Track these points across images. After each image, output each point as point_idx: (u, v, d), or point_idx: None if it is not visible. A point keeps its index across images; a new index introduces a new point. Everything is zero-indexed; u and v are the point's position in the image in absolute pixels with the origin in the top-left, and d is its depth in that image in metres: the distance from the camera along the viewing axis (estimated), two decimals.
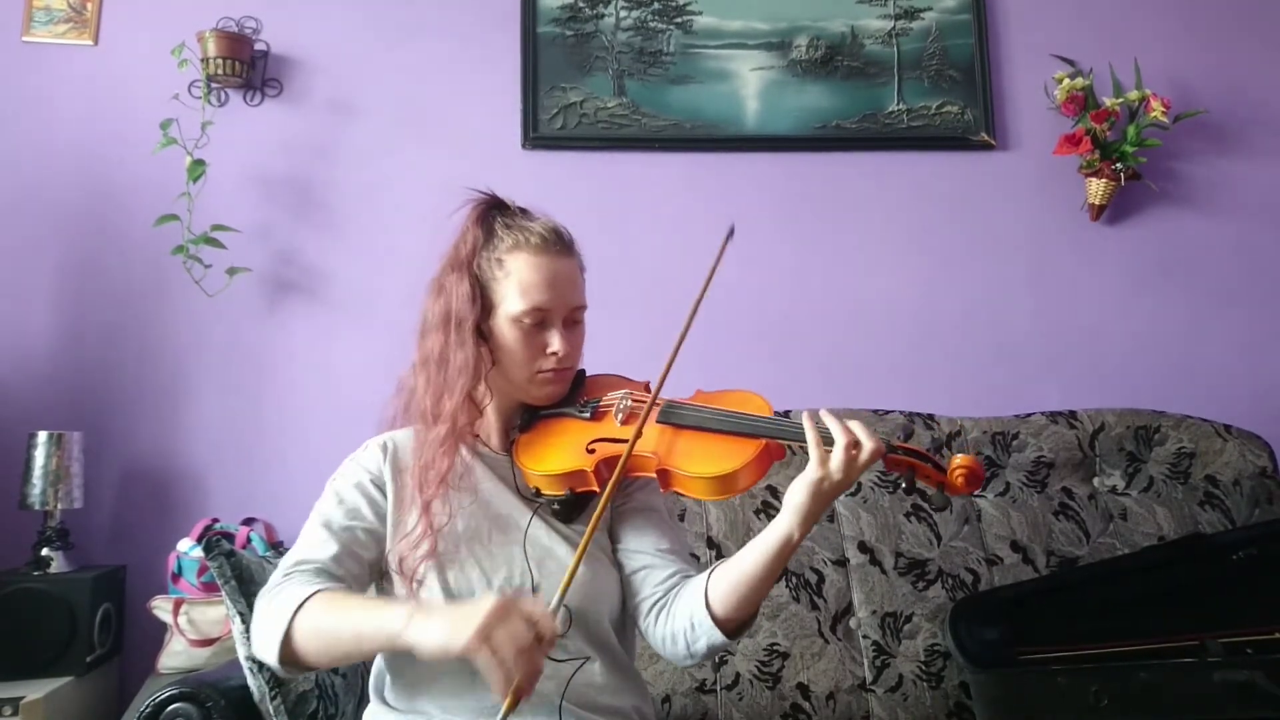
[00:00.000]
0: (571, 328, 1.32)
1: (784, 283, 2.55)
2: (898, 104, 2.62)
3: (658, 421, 1.26)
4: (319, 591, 1.15)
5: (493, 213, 1.34)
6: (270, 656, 1.15)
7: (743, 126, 2.59)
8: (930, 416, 2.21)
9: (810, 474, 1.15)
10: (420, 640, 1.03)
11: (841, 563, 2.07)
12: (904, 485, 1.20)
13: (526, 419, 1.35)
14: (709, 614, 1.21)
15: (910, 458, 1.18)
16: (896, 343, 2.55)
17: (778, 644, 1.98)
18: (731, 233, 1.35)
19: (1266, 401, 2.55)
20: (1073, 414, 2.25)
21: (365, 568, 1.26)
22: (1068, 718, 1.73)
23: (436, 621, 1.04)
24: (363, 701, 1.39)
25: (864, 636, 2.00)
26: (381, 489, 1.30)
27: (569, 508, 1.30)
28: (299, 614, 1.13)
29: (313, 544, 1.24)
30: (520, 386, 1.32)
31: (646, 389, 1.36)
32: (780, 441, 1.21)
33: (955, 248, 2.59)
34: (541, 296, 1.27)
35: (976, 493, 2.17)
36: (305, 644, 1.13)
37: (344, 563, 1.23)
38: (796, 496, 1.16)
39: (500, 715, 1.00)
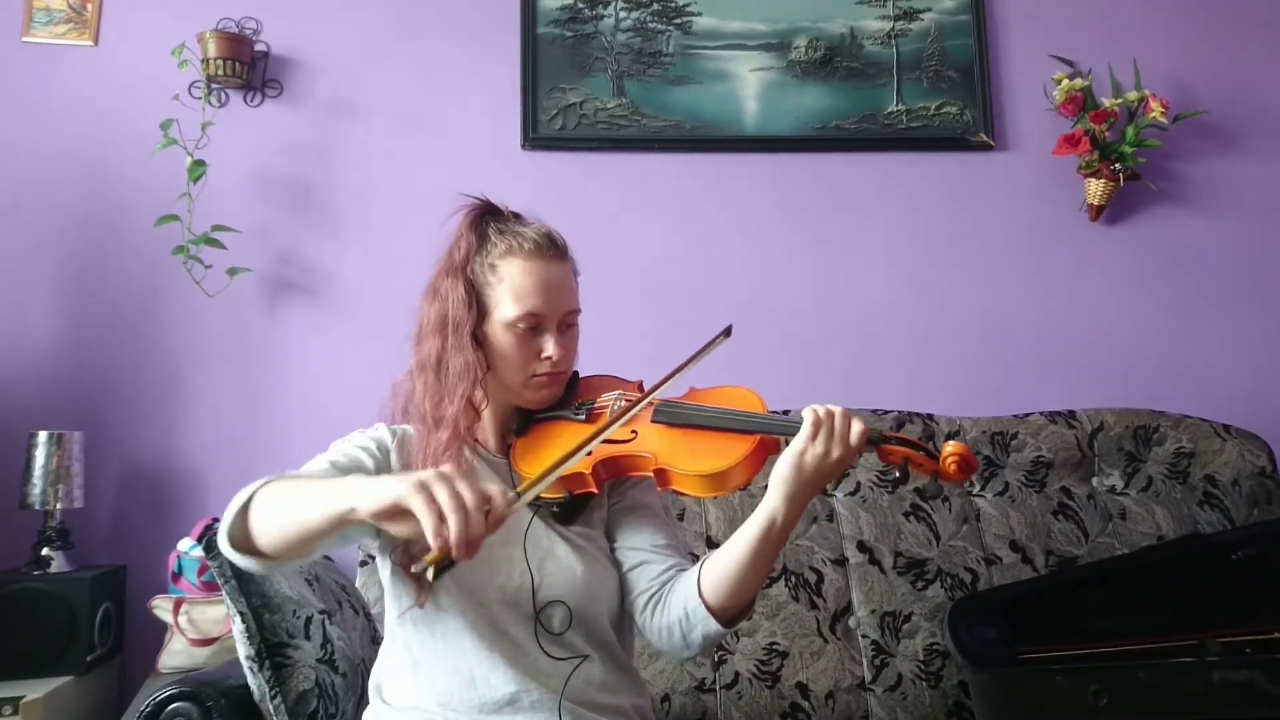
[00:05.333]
0: (565, 331, 1.32)
1: (783, 283, 2.55)
2: (897, 105, 2.62)
3: (652, 421, 1.27)
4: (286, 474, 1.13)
5: (486, 218, 1.35)
6: (221, 536, 1.10)
7: (742, 127, 2.59)
8: (929, 416, 2.22)
9: (794, 446, 1.16)
10: (359, 500, 0.98)
11: (840, 562, 2.07)
12: (896, 475, 1.19)
13: (521, 423, 1.35)
14: (702, 602, 1.22)
15: (903, 447, 1.19)
16: (895, 343, 2.55)
17: (777, 643, 1.98)
18: (729, 332, 1.34)
19: (1266, 401, 2.55)
20: (1071, 414, 2.26)
21: None
22: (1067, 717, 1.73)
23: (387, 480, 0.98)
24: (362, 701, 1.39)
25: (863, 636, 2.00)
26: (386, 459, 1.31)
27: (568, 510, 1.31)
28: (260, 491, 1.11)
29: (308, 468, 1.24)
30: (515, 390, 1.33)
31: (639, 389, 1.37)
32: (774, 436, 1.22)
33: (954, 248, 2.60)
34: (535, 302, 1.28)
35: (975, 491, 2.18)
36: (257, 519, 1.09)
37: None
38: (780, 471, 1.17)
39: (420, 566, 0.94)
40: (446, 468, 0.97)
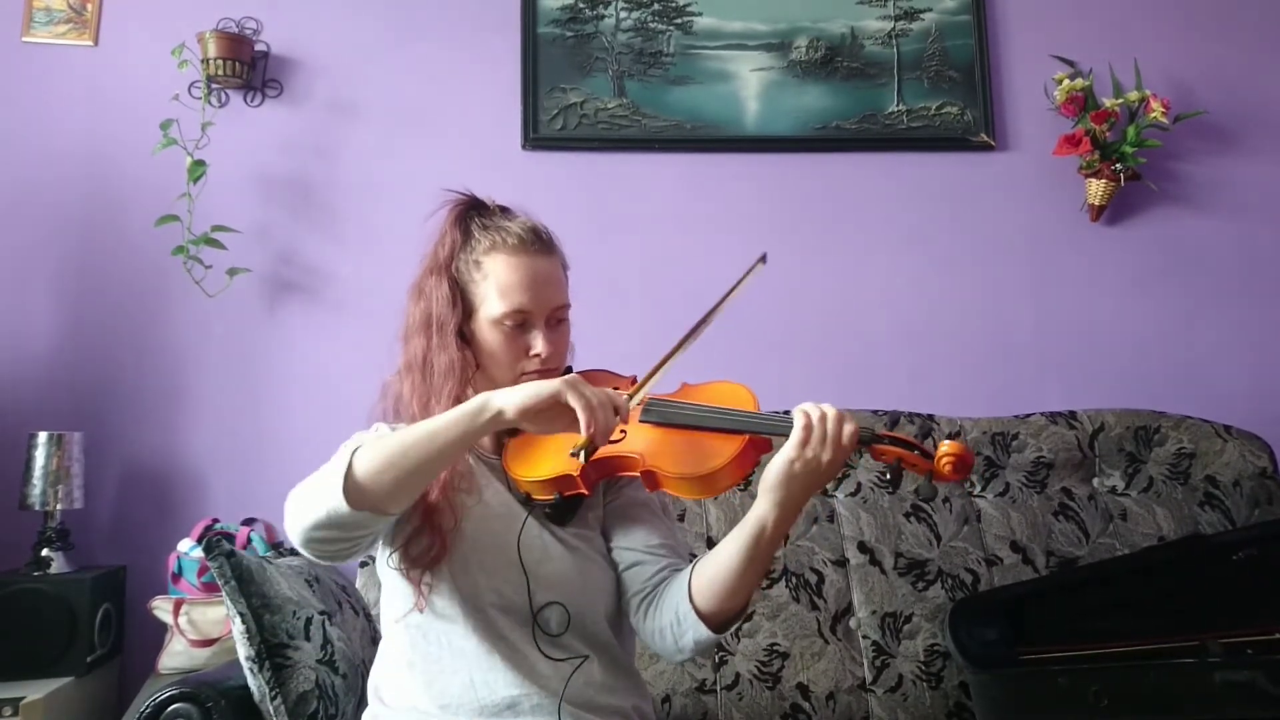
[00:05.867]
0: (555, 327, 1.30)
1: (783, 283, 2.55)
2: (897, 105, 2.62)
3: (640, 420, 1.24)
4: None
5: (470, 214, 1.33)
6: (333, 494, 1.08)
7: (743, 127, 2.59)
8: (930, 416, 2.22)
9: (784, 453, 1.13)
10: (505, 402, 1.09)
11: (841, 563, 2.07)
12: (889, 476, 1.16)
13: None
14: (692, 607, 1.20)
15: (896, 446, 1.15)
16: (896, 343, 2.55)
17: (777, 644, 1.98)
18: (764, 259, 1.32)
19: (1266, 402, 2.55)
20: (1072, 414, 2.25)
21: None
22: (1068, 718, 1.73)
23: (518, 387, 1.11)
24: (362, 702, 1.39)
25: (864, 637, 2.00)
26: None
27: (561, 511, 1.30)
28: (357, 453, 1.11)
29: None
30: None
31: (632, 383, 1.35)
32: (764, 436, 1.19)
33: (955, 248, 2.59)
34: (520, 298, 1.27)
35: (976, 492, 2.18)
36: (369, 469, 1.09)
37: None
38: (770, 477, 1.14)
39: (577, 448, 1.11)
40: (575, 375, 1.14)
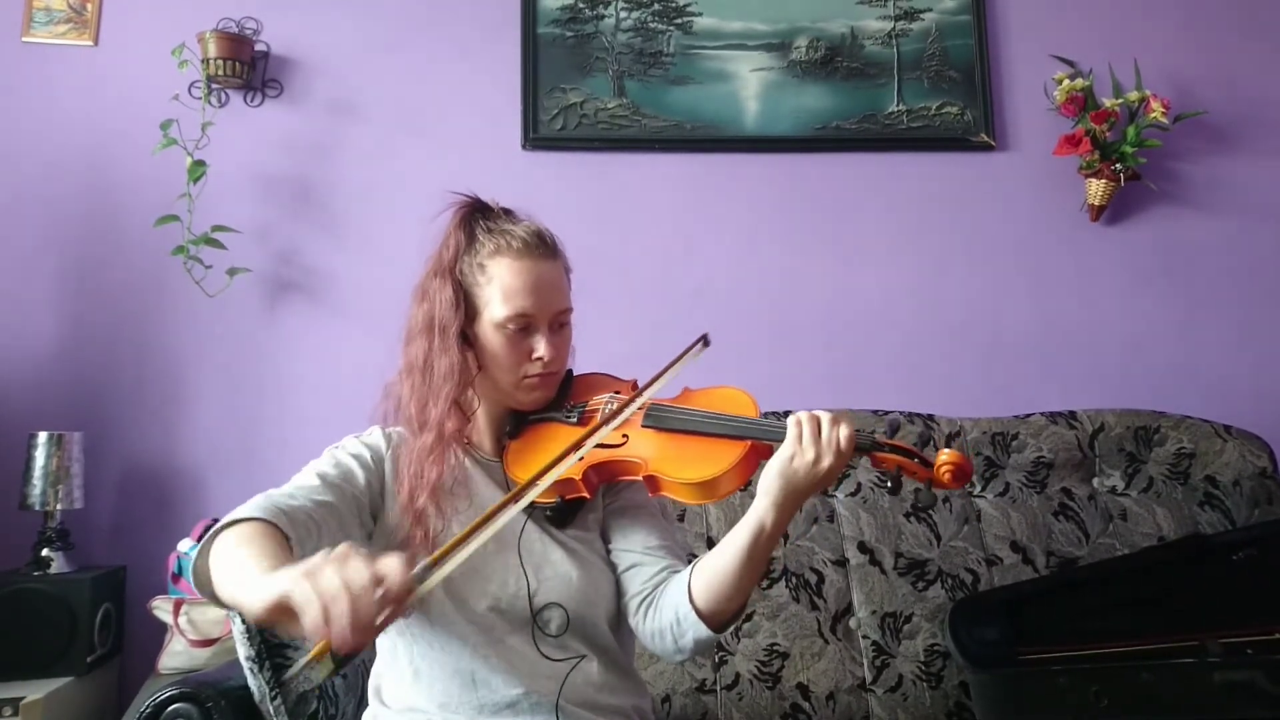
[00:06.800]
0: (557, 331, 1.31)
1: (783, 283, 2.55)
2: (897, 105, 2.62)
3: (642, 425, 1.25)
4: (259, 520, 1.07)
5: (475, 216, 1.33)
6: (189, 575, 1.07)
7: (743, 127, 2.59)
8: (930, 417, 2.22)
9: (782, 453, 1.13)
10: (250, 601, 0.91)
11: (841, 563, 2.07)
12: (889, 484, 1.16)
13: (515, 425, 1.34)
14: (692, 608, 1.20)
15: (896, 454, 1.16)
16: (896, 343, 2.55)
17: (777, 644, 1.98)
18: (706, 341, 1.31)
19: (1266, 401, 2.55)
20: (1072, 414, 2.25)
21: (336, 527, 1.18)
22: (1067, 718, 1.73)
23: (276, 576, 0.89)
24: (362, 702, 1.39)
25: (864, 636, 2.00)
26: (380, 467, 1.30)
27: (562, 514, 1.30)
28: (227, 530, 1.06)
29: (296, 483, 1.22)
30: (507, 392, 1.31)
31: (633, 387, 1.35)
32: (765, 442, 1.19)
33: (955, 248, 2.60)
34: (524, 302, 1.26)
35: (975, 492, 2.18)
36: (213, 562, 1.03)
37: (317, 511, 1.16)
38: (768, 479, 1.14)
39: (297, 667, 0.88)
40: (343, 547, 0.89)
